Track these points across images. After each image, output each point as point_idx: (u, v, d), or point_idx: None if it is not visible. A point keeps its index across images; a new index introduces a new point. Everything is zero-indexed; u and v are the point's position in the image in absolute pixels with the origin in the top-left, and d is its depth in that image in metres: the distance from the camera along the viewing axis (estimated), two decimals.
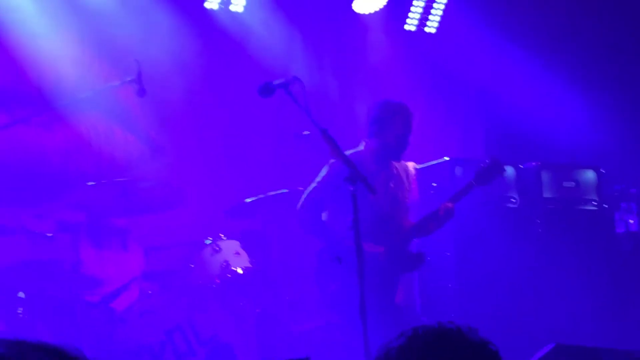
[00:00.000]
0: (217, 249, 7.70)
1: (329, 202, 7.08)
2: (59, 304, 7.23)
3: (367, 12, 10.18)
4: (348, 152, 6.40)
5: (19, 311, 7.00)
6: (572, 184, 8.91)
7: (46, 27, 8.75)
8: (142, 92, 7.15)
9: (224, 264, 7.60)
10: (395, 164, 7.32)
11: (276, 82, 6.01)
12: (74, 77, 8.65)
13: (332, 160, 6.93)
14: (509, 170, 8.53)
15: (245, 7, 9.63)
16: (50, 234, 7.46)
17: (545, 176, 8.82)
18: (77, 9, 8.92)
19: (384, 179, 7.12)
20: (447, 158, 8.51)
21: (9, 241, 7.73)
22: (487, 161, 7.18)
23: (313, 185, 7.12)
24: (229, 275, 7.56)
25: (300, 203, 7.14)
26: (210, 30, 9.66)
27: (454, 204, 7.08)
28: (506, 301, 8.27)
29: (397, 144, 7.15)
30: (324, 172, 7.10)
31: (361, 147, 7.19)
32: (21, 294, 7.05)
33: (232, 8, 9.62)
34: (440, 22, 10.65)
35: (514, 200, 8.65)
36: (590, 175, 8.99)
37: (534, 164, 8.83)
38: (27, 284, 7.15)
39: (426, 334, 2.26)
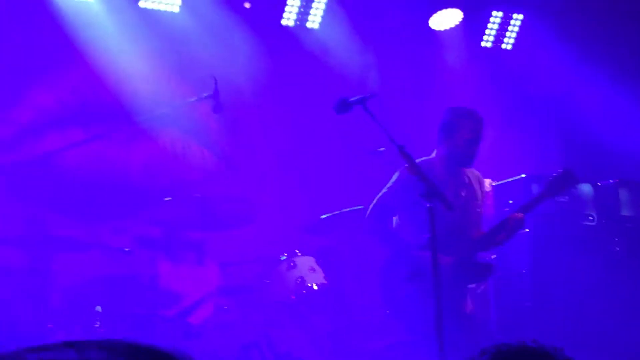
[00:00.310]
0: (293, 265, 7.72)
1: (399, 209, 7.03)
2: (136, 318, 7.29)
3: (443, 29, 10.15)
4: (419, 160, 6.37)
5: (97, 325, 7.08)
6: None
7: (125, 45, 8.87)
8: (218, 108, 7.21)
9: (299, 280, 7.62)
10: (467, 172, 7.23)
11: (353, 98, 6.00)
12: (152, 94, 8.75)
13: (403, 167, 6.87)
14: (587, 188, 8.44)
15: (321, 24, 9.65)
16: (128, 249, 7.53)
17: (623, 194, 8.68)
18: (155, 26, 9.03)
19: (454, 187, 7.04)
20: (523, 175, 8.43)
21: (88, 256, 7.84)
22: (559, 171, 7.09)
23: (383, 190, 7.08)
24: (304, 292, 7.57)
25: (369, 208, 7.10)
26: (286, 47, 9.70)
27: (524, 214, 6.99)
28: (583, 320, 8.15)
29: (466, 149, 7.04)
30: (394, 177, 7.05)
31: (432, 155, 7.13)
32: (99, 308, 7.12)
33: (308, 25, 9.65)
34: (516, 39, 10.59)
35: (591, 219, 8.54)
36: None
37: (612, 181, 8.70)
38: (105, 298, 7.23)
39: (510, 352, 2.22)
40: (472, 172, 7.28)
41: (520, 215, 6.95)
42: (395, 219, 7.08)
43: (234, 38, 9.32)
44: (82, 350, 1.18)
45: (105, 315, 7.12)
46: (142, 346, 1.25)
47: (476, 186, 7.25)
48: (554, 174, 7.05)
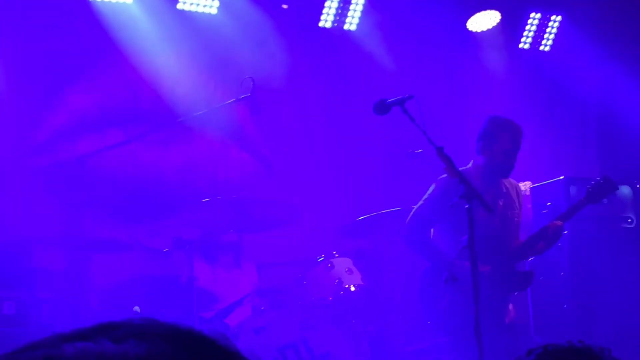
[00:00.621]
0: (330, 266, 7.70)
1: (437, 220, 7.00)
2: (174, 319, 7.30)
3: (481, 30, 10.12)
4: None
5: None
6: None
7: (163, 46, 8.91)
8: (256, 109, 7.22)
9: (337, 281, 7.60)
10: (505, 182, 7.19)
11: (391, 99, 5.97)
12: (189, 95, 8.78)
13: (440, 177, 6.87)
14: (626, 190, 8.38)
15: (359, 25, 9.65)
16: (166, 250, 7.56)
17: None
18: (193, 28, 9.06)
19: (492, 197, 6.99)
20: (562, 177, 8.39)
21: (126, 257, 7.87)
22: (599, 179, 7.05)
23: (421, 202, 7.05)
24: (342, 293, 7.56)
25: (407, 220, 7.08)
26: (324, 48, 9.71)
27: (563, 222, 6.94)
28: (622, 323, 8.10)
29: (504, 160, 7.00)
30: (432, 188, 7.03)
31: (469, 165, 7.10)
32: (137, 309, 7.14)
33: (345, 27, 9.64)
34: (554, 40, 10.53)
35: (630, 221, 8.48)
36: None
37: None
38: (143, 299, 7.25)
39: (557, 352, 2.20)
40: (509, 182, 7.26)
41: (559, 223, 6.91)
42: (432, 231, 7.06)
43: (271, 39, 9.34)
44: (119, 341, 1.16)
45: (144, 315, 7.13)
46: (182, 333, 1.22)
47: (513, 195, 7.22)
48: (593, 182, 7.02)
